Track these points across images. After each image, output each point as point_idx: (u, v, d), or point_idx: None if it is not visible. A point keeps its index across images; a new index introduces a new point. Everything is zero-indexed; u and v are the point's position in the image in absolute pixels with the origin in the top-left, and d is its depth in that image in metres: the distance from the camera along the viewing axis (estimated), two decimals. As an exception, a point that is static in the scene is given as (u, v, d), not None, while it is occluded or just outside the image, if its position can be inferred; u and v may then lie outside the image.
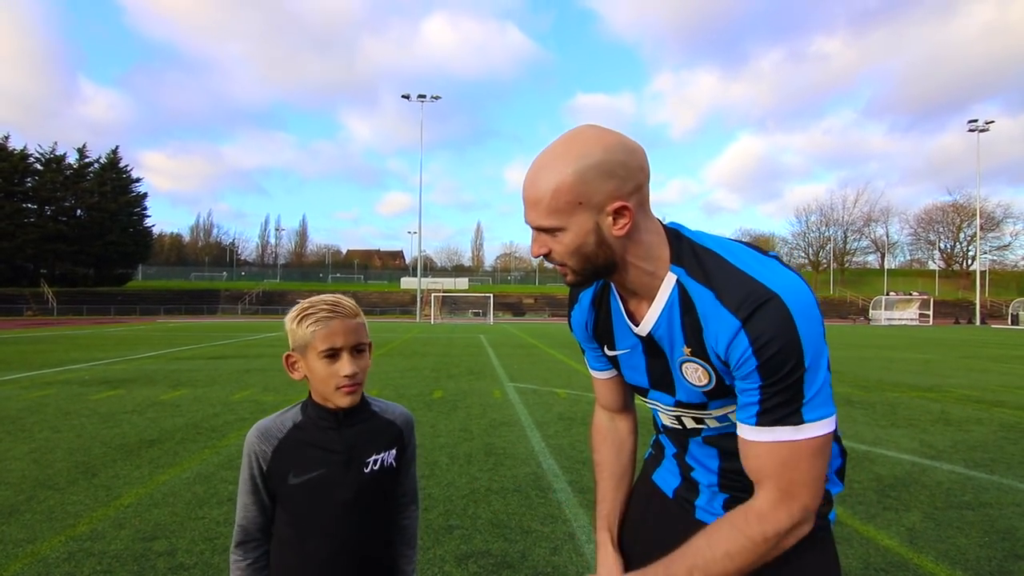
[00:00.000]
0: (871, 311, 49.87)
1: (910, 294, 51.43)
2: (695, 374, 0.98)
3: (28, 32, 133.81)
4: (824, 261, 78.54)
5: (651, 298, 0.98)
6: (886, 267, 77.63)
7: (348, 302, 1.20)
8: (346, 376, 1.15)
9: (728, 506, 1.08)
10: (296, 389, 7.72)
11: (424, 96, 42.18)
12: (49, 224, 55.90)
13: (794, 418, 0.86)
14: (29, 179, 56.78)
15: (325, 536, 1.17)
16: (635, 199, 0.90)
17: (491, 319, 41.23)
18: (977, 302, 50.03)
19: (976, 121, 48.62)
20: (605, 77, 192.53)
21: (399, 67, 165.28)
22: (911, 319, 47.03)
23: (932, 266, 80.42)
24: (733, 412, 1.00)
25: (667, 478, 1.21)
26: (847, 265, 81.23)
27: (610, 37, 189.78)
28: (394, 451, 1.27)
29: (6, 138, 55.20)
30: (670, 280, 0.95)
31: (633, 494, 1.28)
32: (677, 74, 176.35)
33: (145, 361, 11.75)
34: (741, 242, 0.97)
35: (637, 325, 1.02)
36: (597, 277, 0.97)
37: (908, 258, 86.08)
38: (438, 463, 4.39)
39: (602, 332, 1.13)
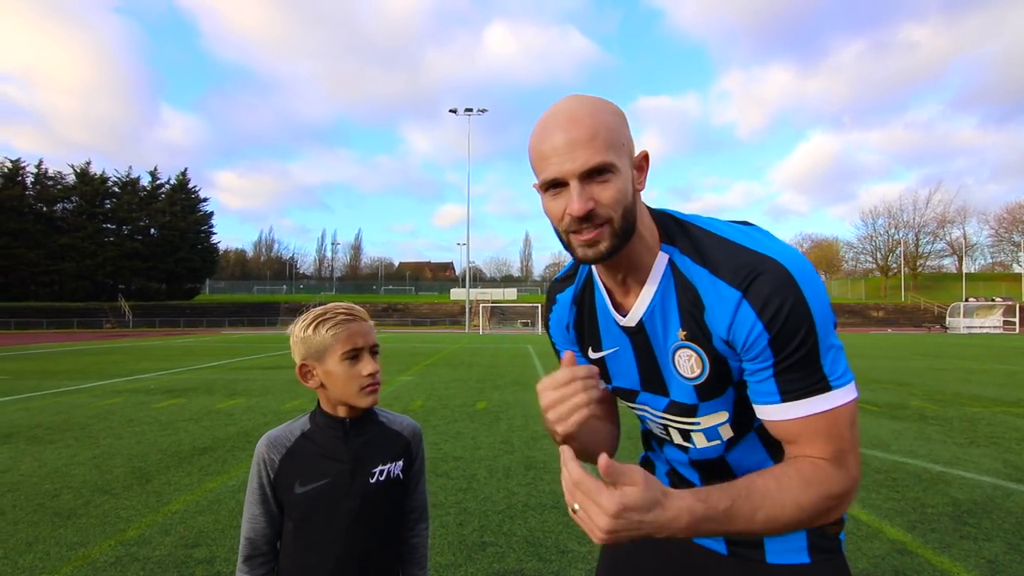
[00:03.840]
0: (948, 318, 46.52)
1: (993, 300, 47.56)
2: (688, 363, 0.88)
3: (116, 62, 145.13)
4: (894, 266, 74.02)
5: (642, 281, 0.89)
6: (964, 271, 72.32)
7: (360, 308, 1.25)
8: (369, 375, 1.18)
9: (729, 537, 0.98)
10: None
11: (471, 109, 42.82)
12: (126, 243, 60.39)
13: (820, 385, 0.79)
14: (108, 201, 61.53)
15: (330, 548, 1.17)
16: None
17: (539, 329, 41.08)
18: (1070, 308, 45.81)
19: (1063, 111, 44.74)
20: (669, 77, 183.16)
21: (460, 78, 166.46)
22: (994, 327, 43.51)
23: (1017, 269, 74.19)
24: (724, 424, 0.92)
25: None
26: (920, 269, 76.11)
27: (676, 35, 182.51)
28: (401, 463, 1.27)
29: (87, 164, 60.01)
30: (662, 259, 0.87)
31: None
32: (747, 70, 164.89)
33: (206, 371, 12.32)
34: (718, 219, 0.91)
35: (625, 316, 0.93)
36: (627, 241, 0.82)
37: (989, 261, 79.79)
38: (476, 476, 4.32)
39: (586, 332, 1.03)
